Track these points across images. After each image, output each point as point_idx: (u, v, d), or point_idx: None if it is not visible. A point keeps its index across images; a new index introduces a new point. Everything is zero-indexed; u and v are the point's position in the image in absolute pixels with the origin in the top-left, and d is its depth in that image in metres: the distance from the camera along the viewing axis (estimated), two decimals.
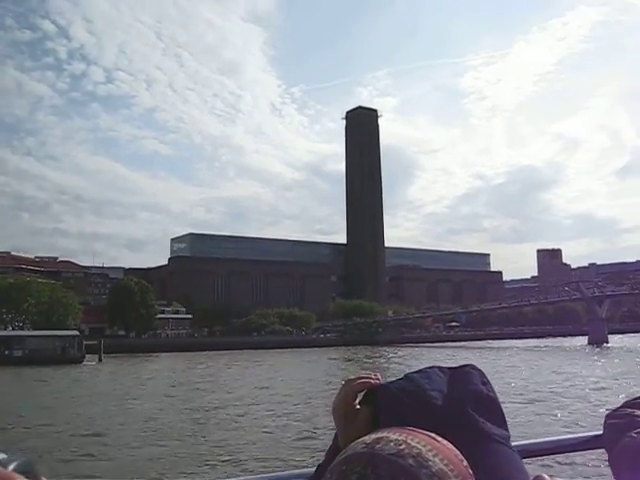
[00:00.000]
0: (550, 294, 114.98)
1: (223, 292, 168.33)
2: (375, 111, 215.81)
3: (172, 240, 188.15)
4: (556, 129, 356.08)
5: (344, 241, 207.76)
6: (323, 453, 1.10)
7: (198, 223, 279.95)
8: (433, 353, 76.16)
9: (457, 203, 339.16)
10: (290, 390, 32.86)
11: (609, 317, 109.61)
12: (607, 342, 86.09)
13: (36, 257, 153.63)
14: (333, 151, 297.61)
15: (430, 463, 0.81)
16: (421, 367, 1.18)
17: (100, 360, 68.03)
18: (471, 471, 0.87)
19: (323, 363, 60.30)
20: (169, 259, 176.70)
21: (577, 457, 11.31)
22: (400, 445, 0.83)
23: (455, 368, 1.18)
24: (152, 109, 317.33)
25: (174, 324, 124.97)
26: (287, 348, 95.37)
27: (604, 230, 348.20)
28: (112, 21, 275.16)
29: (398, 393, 1.09)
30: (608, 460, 1.30)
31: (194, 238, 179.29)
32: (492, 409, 1.10)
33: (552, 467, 10.75)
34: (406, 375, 1.15)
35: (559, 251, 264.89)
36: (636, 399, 1.41)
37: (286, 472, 1.41)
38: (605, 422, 1.40)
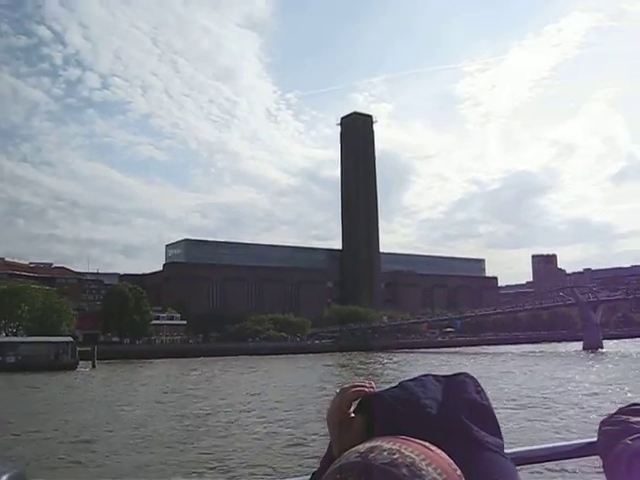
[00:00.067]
0: (545, 299, 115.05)
1: (218, 298, 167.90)
2: (370, 117, 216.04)
3: (167, 246, 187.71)
4: (551, 135, 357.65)
5: (340, 247, 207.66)
6: (313, 460, 1.13)
7: (194, 229, 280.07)
8: (428, 359, 76.10)
9: (452, 209, 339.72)
10: (283, 397, 32.73)
11: (604, 322, 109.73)
12: (602, 347, 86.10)
13: (30, 263, 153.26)
14: (329, 157, 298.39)
15: (423, 472, 0.81)
16: (415, 373, 1.11)
17: (94, 366, 67.88)
18: None
19: (317, 369, 60.11)
20: (164, 265, 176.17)
21: (572, 464, 11.22)
22: (394, 454, 0.83)
23: (449, 376, 1.18)
24: (148, 115, 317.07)
25: (169, 330, 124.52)
26: (282, 354, 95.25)
27: (599, 235, 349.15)
28: (108, 27, 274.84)
29: (392, 401, 1.08)
30: (603, 467, 1.30)
31: (189, 244, 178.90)
32: (486, 418, 1.09)
33: (546, 474, 10.66)
34: (400, 383, 1.14)
35: (554, 256, 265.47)
36: (630, 406, 1.40)
37: None
38: (599, 429, 1.39)
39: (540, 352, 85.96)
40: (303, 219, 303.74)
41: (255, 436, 19.85)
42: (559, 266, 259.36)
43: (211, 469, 14.97)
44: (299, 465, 14.66)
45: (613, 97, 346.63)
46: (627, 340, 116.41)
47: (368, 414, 1.09)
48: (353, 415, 1.11)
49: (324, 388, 37.00)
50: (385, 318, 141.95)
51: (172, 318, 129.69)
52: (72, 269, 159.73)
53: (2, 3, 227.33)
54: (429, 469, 0.82)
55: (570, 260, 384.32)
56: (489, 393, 1.15)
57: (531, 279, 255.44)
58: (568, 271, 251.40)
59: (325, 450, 1.13)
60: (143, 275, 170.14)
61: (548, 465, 9.57)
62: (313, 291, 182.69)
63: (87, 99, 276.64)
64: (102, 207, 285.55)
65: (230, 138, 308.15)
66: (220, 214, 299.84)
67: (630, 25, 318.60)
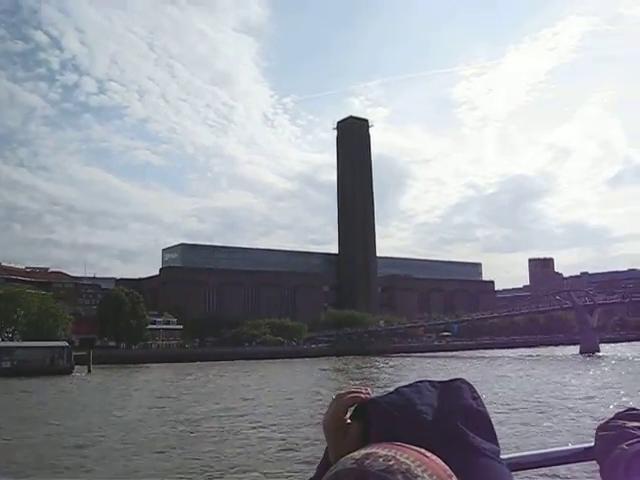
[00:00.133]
0: (542, 303, 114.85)
1: (214, 302, 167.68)
2: (366, 121, 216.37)
3: (163, 250, 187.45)
4: (548, 138, 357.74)
5: (337, 251, 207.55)
6: (304, 465, 1.15)
7: (190, 233, 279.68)
8: (424, 363, 75.97)
9: (449, 213, 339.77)
10: (277, 401, 32.62)
11: (601, 326, 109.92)
12: (598, 351, 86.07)
13: (27, 268, 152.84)
14: (326, 161, 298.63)
15: (419, 479, 0.81)
16: (412, 378, 1.10)
17: (89, 371, 67.69)
18: None
19: (313, 374, 59.98)
20: (160, 269, 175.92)
21: (568, 470, 11.15)
22: (389, 461, 0.83)
23: (445, 382, 1.17)
24: (144, 120, 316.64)
25: (165, 335, 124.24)
26: (278, 358, 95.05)
27: (596, 239, 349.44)
28: (104, 32, 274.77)
29: (388, 407, 1.07)
30: (599, 472, 1.29)
31: (185, 248, 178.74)
32: (482, 423, 1.09)
33: None
34: (396, 389, 1.14)
35: (551, 260, 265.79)
36: (627, 410, 1.39)
37: None
38: (596, 434, 1.38)
39: (537, 356, 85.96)
40: (300, 223, 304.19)
41: (247, 441, 19.72)
42: (556, 270, 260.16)
43: (201, 475, 14.85)
44: (290, 471, 14.55)
45: (609, 101, 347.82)
46: (624, 344, 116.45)
47: (364, 420, 1.09)
48: (349, 421, 1.11)
49: (319, 393, 36.89)
50: (382, 322, 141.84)
51: (168, 323, 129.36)
52: (69, 274, 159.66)
53: None
54: (425, 475, 0.82)
55: (567, 264, 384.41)
56: (484, 397, 1.15)
57: (528, 283, 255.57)
58: (565, 275, 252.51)
59: (318, 456, 1.13)
60: (140, 280, 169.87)
61: (544, 470, 9.52)
62: (310, 295, 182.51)
63: (84, 104, 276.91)
64: (99, 212, 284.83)
65: (227, 143, 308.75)
66: (217, 218, 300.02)
67: (627, 29, 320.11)
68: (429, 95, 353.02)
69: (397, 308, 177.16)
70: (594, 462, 1.35)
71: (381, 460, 0.84)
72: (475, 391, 1.16)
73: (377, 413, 1.07)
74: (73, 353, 69.61)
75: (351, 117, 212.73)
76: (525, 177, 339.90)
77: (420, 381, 1.17)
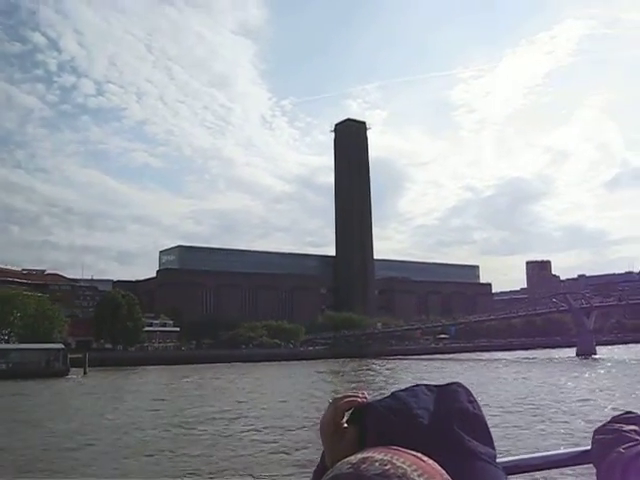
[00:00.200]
0: (539, 306, 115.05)
1: (212, 304, 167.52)
2: (364, 123, 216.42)
3: (161, 252, 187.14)
4: (545, 141, 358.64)
5: (334, 253, 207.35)
6: (299, 468, 1.15)
7: (188, 235, 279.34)
8: (421, 365, 75.89)
9: (447, 215, 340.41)
10: (272, 404, 32.53)
11: (598, 328, 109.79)
12: (595, 354, 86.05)
13: (23, 270, 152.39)
14: (324, 163, 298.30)
15: None
16: (409, 380, 1.18)
17: (85, 373, 67.52)
18: None
19: (310, 376, 59.83)
20: (157, 271, 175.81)
21: (565, 473, 11.07)
22: (385, 465, 0.83)
23: (442, 386, 1.17)
24: (142, 122, 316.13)
25: (161, 337, 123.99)
26: (275, 361, 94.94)
27: (593, 242, 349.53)
28: (102, 34, 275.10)
29: (385, 412, 1.07)
30: (596, 475, 1.29)
31: (183, 250, 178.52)
32: (479, 427, 1.09)
33: None
34: (393, 393, 1.14)
35: (548, 263, 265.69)
36: (624, 414, 1.39)
37: None
38: (593, 437, 1.38)
39: (534, 358, 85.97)
40: (298, 226, 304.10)
41: (240, 444, 19.64)
42: (553, 272, 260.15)
43: (190, 478, 14.76)
44: (284, 475, 14.47)
45: (606, 104, 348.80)
46: (620, 346, 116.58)
47: (361, 424, 1.09)
48: (346, 425, 1.11)
49: (315, 395, 36.81)
50: (379, 325, 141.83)
51: (165, 325, 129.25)
52: (66, 276, 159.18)
53: None
54: None
55: (564, 266, 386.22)
56: (480, 400, 1.15)
57: (525, 285, 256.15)
58: (562, 277, 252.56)
59: (311, 459, 1.21)
60: (137, 282, 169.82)
61: (541, 474, 9.41)
62: (307, 298, 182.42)
63: (82, 106, 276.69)
64: (96, 214, 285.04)
65: (225, 145, 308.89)
66: (214, 220, 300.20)
67: (624, 32, 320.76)
68: (427, 98, 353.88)
69: (395, 310, 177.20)
70: (591, 465, 1.35)
71: (377, 464, 0.83)
72: (471, 395, 1.16)
73: (373, 417, 1.07)
74: (69, 355, 69.50)
75: (349, 119, 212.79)
76: (522, 180, 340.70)
77: (416, 385, 1.17)
